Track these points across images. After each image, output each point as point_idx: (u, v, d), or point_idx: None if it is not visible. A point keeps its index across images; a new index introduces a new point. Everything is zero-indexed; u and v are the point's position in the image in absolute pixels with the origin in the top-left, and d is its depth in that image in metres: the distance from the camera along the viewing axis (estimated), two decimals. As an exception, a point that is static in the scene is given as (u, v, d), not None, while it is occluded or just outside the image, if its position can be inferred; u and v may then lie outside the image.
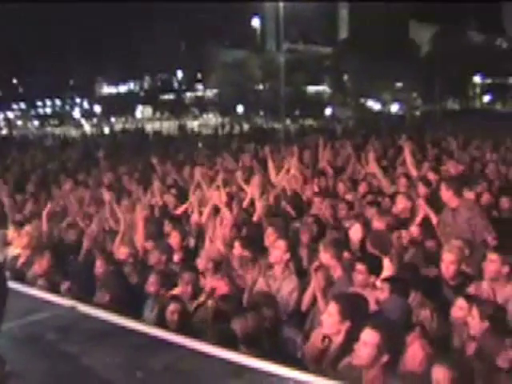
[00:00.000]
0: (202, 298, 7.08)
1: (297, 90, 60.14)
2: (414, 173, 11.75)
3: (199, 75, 74.64)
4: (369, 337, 4.69)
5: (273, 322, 6.13)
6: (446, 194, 8.67)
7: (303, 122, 57.06)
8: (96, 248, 9.45)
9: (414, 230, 8.49)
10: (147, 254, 9.07)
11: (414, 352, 4.88)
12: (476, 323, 5.29)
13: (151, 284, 7.57)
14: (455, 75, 55.59)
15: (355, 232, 8.50)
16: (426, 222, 8.76)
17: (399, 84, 60.34)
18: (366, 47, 56.35)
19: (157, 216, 11.33)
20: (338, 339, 5.30)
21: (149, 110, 79.20)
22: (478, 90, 61.57)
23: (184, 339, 5.77)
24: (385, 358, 4.65)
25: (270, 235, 8.47)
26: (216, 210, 10.13)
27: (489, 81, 60.42)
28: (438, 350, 5.13)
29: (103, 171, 17.47)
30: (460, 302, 5.69)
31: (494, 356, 4.86)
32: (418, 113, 58.83)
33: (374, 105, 61.56)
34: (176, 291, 7.35)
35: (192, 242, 9.73)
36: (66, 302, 7.15)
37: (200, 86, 75.01)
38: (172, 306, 6.57)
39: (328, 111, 61.09)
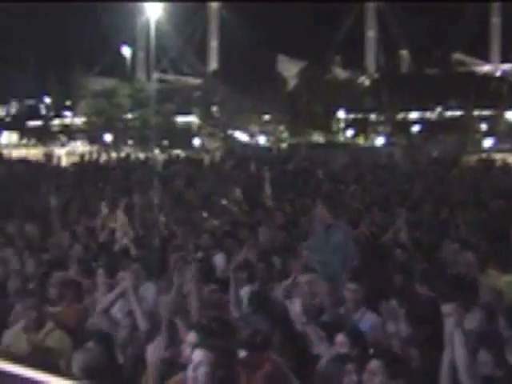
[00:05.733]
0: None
1: (166, 120, 60.22)
2: (269, 202, 12.32)
3: (68, 102, 73.34)
4: None
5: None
6: (322, 211, 8.90)
7: (172, 151, 56.97)
8: None
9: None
10: None
11: None
12: None
13: None
14: (320, 109, 57.32)
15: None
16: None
17: (267, 116, 61.49)
18: (235, 79, 57.29)
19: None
20: None
21: (14, 136, 76.82)
22: (341, 125, 63.34)
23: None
24: None
25: None
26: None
27: (352, 116, 62.36)
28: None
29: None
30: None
31: None
32: (284, 145, 60.03)
33: (242, 136, 62.30)
34: None
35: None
36: None
37: (68, 113, 73.67)
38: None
39: (197, 142, 61.43)
